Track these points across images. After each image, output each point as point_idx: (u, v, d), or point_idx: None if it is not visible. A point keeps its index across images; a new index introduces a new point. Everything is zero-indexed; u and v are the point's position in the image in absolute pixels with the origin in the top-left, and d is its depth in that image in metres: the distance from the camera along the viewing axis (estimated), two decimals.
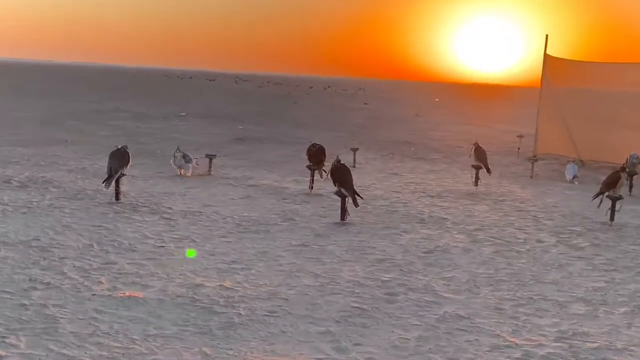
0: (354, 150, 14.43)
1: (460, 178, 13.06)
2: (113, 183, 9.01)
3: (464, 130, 25.92)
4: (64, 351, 4.37)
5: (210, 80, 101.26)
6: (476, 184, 11.69)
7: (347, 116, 31.78)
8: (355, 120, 28.73)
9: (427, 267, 6.70)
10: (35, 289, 5.48)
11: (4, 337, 4.53)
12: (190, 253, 6.73)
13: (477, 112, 44.53)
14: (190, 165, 11.64)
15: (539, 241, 8.03)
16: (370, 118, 30.85)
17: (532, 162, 14.24)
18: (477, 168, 11.74)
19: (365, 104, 46.24)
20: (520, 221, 9.18)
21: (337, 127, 24.39)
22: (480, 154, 11.81)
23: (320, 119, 28.94)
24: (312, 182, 10.71)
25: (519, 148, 18.03)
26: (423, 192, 11.21)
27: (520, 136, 18.92)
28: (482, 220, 9.13)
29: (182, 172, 11.59)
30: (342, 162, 8.93)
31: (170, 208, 8.88)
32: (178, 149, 11.83)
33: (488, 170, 11.81)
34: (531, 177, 13.76)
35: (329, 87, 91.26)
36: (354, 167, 13.37)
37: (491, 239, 8.03)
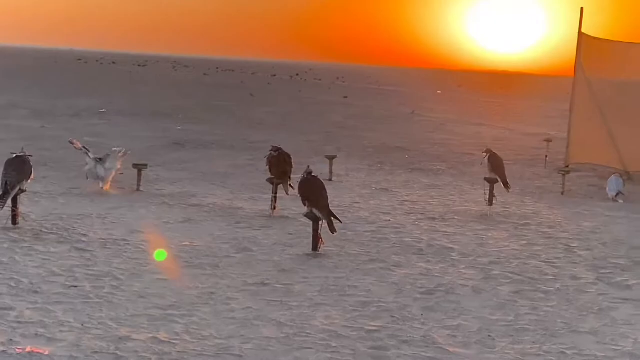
0: (330, 158, 14.47)
1: (469, 195, 13.16)
2: (9, 202, 8.94)
3: (475, 133, 26.13)
4: None
5: (139, 65, 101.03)
6: (490, 202, 11.77)
7: (322, 114, 31.87)
8: (332, 119, 28.82)
9: (426, 312, 6.73)
10: None
11: None
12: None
13: (491, 108, 44.92)
14: (109, 170, 11.57)
15: (573, 278, 8.11)
16: (351, 116, 30.96)
17: (564, 175, 14.38)
18: (492, 182, 11.83)
19: (345, 97, 46.41)
20: (548, 252, 9.27)
21: (308, 128, 24.45)
22: (495, 164, 11.90)
23: (285, 117, 29.00)
24: (275, 201, 10.72)
25: (546, 156, 18.20)
26: (421, 214, 11.27)
27: (547, 140, 19.11)
28: (498, 250, 9.20)
29: (103, 186, 11.58)
30: (313, 174, 8.94)
31: (85, 235, 8.83)
32: (87, 151, 11.73)
33: (506, 185, 11.90)
34: (562, 193, 13.89)
35: (296, 75, 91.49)
36: (330, 180, 13.41)
37: (510, 275, 8.09)
